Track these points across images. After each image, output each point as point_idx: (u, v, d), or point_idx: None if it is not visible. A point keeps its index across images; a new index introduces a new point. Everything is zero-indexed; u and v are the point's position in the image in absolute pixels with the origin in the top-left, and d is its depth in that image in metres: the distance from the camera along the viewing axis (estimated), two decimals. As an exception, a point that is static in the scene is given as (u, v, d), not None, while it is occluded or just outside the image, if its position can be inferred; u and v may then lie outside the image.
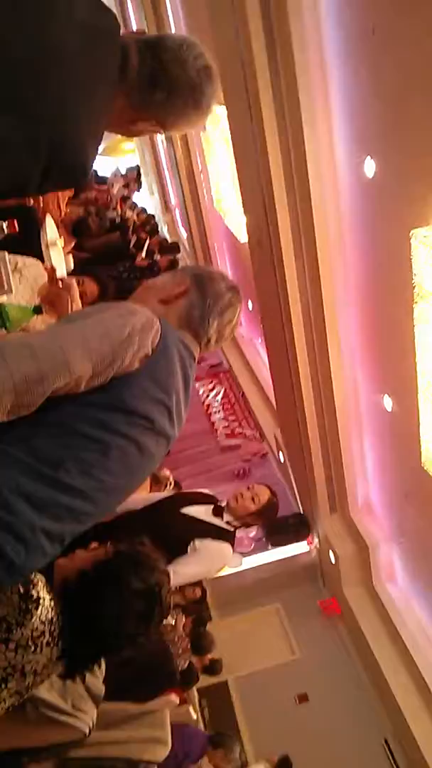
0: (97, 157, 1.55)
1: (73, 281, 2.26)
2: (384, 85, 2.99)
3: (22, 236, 3.03)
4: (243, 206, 5.60)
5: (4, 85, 1.30)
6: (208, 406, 8.62)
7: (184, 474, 7.13)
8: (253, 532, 5.70)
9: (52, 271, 2.45)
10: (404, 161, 3.00)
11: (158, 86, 1.48)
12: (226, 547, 3.44)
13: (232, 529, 3.53)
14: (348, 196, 3.67)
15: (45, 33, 1.33)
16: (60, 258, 3.16)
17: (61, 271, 2.90)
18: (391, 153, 3.11)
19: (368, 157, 3.26)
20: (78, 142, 1.43)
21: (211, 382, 9.05)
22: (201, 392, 8.87)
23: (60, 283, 2.19)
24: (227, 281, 1.75)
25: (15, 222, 2.72)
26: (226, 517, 3.57)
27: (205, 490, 3.85)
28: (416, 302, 2.92)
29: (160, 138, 11.57)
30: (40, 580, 1.73)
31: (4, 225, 2.68)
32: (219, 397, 8.68)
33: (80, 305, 2.23)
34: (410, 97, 2.76)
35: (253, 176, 4.55)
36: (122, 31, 1.48)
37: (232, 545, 3.53)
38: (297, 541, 6.04)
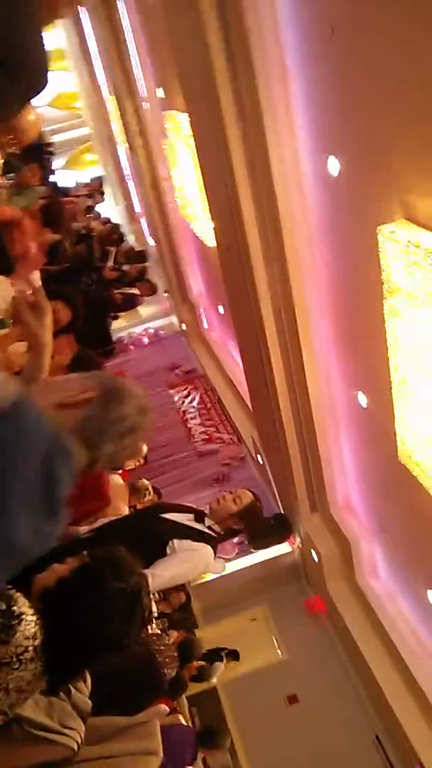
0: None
1: (48, 308, 2.24)
2: (343, 83, 3.02)
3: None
4: (209, 211, 5.62)
5: None
6: (184, 412, 8.62)
7: (163, 482, 7.11)
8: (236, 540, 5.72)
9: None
10: (367, 159, 3.04)
11: None
12: (206, 548, 3.41)
13: (214, 535, 3.51)
14: (313, 196, 3.70)
15: None
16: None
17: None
18: (354, 151, 3.15)
19: (332, 156, 3.29)
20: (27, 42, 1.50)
21: (186, 388, 9.05)
22: (176, 399, 8.86)
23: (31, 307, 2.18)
24: (141, 402, 1.57)
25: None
26: (208, 522, 3.55)
27: (189, 504, 3.84)
28: (386, 298, 2.95)
29: (122, 148, 11.57)
30: (20, 596, 1.71)
31: None
32: (195, 403, 8.68)
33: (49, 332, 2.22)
34: (370, 94, 2.80)
35: (218, 181, 4.57)
36: None
37: (215, 550, 3.50)
38: (279, 542, 6.05)
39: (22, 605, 1.70)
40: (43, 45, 1.58)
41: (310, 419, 4.63)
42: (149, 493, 6.03)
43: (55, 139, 14.84)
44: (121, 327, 10.63)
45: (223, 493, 3.62)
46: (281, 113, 3.56)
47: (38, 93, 1.68)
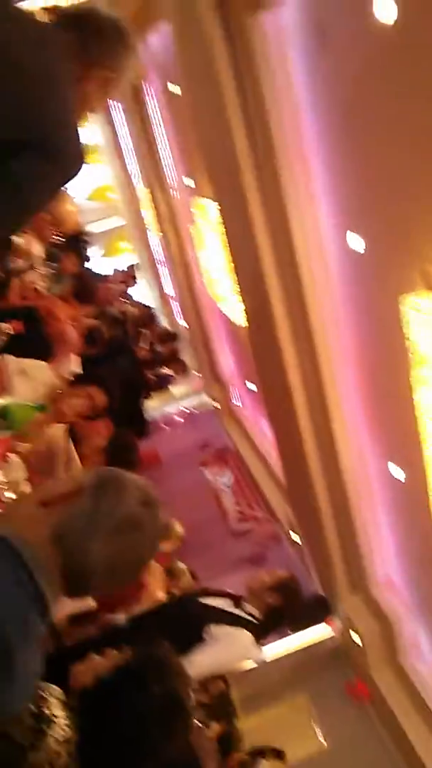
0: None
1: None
2: (361, 159, 3.15)
3: (27, 335, 3.15)
4: (238, 290, 5.75)
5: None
6: (218, 491, 8.55)
7: (198, 564, 6.99)
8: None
9: None
10: (387, 231, 3.12)
11: (88, 38, 1.86)
12: (244, 633, 3.34)
13: (253, 620, 3.43)
14: (337, 269, 3.79)
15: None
16: (28, 387, 3.27)
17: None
18: (374, 224, 3.24)
19: (353, 231, 3.39)
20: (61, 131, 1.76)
21: (219, 465, 9.01)
22: (210, 477, 8.81)
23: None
24: (143, 493, 1.31)
25: (20, 323, 2.82)
26: (247, 607, 3.48)
27: (226, 588, 3.76)
28: (412, 367, 2.97)
29: (154, 235, 11.99)
30: (54, 696, 1.65)
31: (6, 326, 2.79)
32: (228, 481, 8.62)
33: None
34: (387, 169, 2.91)
35: (245, 261, 4.71)
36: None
37: (254, 635, 3.42)
38: (318, 622, 5.86)
39: (54, 707, 1.62)
40: (77, 132, 1.78)
41: (345, 494, 4.57)
42: (186, 576, 5.92)
43: (92, 229, 15.45)
44: (154, 407, 10.73)
45: (259, 571, 3.57)
46: (302, 192, 3.71)
47: (73, 177, 1.85)
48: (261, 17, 3.43)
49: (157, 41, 6.66)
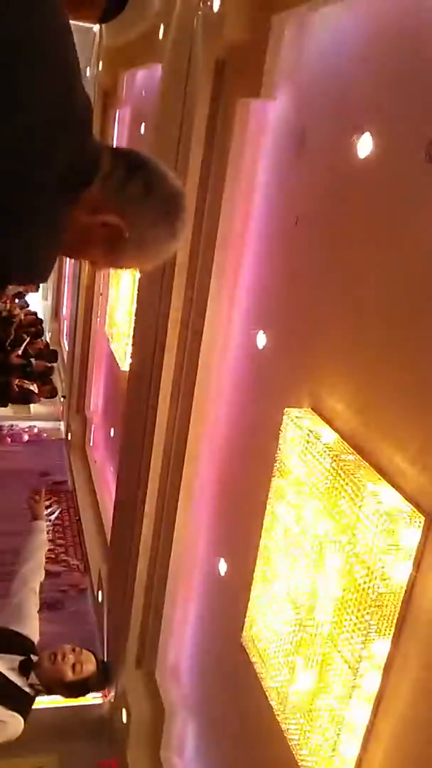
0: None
1: None
2: (286, 265, 3.23)
3: None
4: (133, 337, 5.69)
5: None
6: (38, 522, 8.19)
7: (-6, 590, 6.60)
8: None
9: None
10: (291, 341, 3.19)
11: (134, 178, 1.35)
12: (17, 721, 3.00)
13: (33, 693, 3.10)
14: (235, 362, 3.82)
15: None
16: None
17: None
18: (282, 331, 3.31)
19: (262, 332, 3.44)
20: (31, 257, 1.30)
21: (50, 498, 8.65)
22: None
23: None
24: None
25: None
26: (32, 678, 3.11)
27: (26, 631, 3.30)
28: (275, 476, 2.99)
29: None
30: None
31: None
32: (52, 517, 8.27)
33: None
34: (307, 288, 2.98)
35: (150, 317, 4.66)
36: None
37: (27, 712, 3.07)
38: (94, 691, 5.62)
39: None
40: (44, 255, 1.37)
41: (165, 572, 4.49)
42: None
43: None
44: (4, 415, 10.31)
45: (64, 649, 3.18)
46: (228, 275, 3.74)
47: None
48: (251, 102, 3.51)
49: (140, 79, 6.72)
